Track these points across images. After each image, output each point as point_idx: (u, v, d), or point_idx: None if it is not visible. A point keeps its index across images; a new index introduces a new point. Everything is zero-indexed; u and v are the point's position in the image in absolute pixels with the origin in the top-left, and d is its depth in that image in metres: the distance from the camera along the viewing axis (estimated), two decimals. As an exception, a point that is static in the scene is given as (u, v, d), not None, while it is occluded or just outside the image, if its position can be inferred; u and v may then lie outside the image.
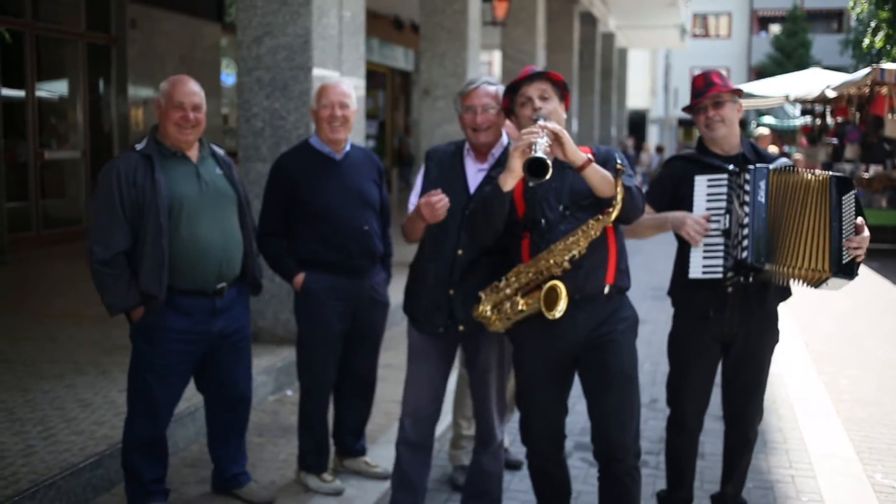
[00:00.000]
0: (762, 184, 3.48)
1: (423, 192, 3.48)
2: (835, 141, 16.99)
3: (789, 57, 37.36)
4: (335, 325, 4.03)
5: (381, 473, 4.30)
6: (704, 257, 3.58)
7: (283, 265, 4.07)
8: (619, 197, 3.12)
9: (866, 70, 12.74)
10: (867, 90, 14.08)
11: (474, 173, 3.50)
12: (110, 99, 11.92)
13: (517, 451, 4.72)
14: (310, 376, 4.13)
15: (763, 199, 3.48)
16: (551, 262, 3.17)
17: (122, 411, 4.55)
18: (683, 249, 3.67)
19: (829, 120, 18.57)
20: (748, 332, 3.65)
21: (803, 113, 22.26)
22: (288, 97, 5.86)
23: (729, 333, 3.65)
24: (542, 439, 3.44)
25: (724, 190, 3.57)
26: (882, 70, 12.09)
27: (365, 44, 6.71)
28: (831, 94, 14.78)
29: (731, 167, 3.59)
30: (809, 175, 3.49)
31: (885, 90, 13.15)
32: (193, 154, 3.71)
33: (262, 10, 5.85)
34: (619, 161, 3.22)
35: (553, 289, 3.14)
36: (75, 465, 3.89)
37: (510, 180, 3.11)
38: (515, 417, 4.86)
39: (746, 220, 3.48)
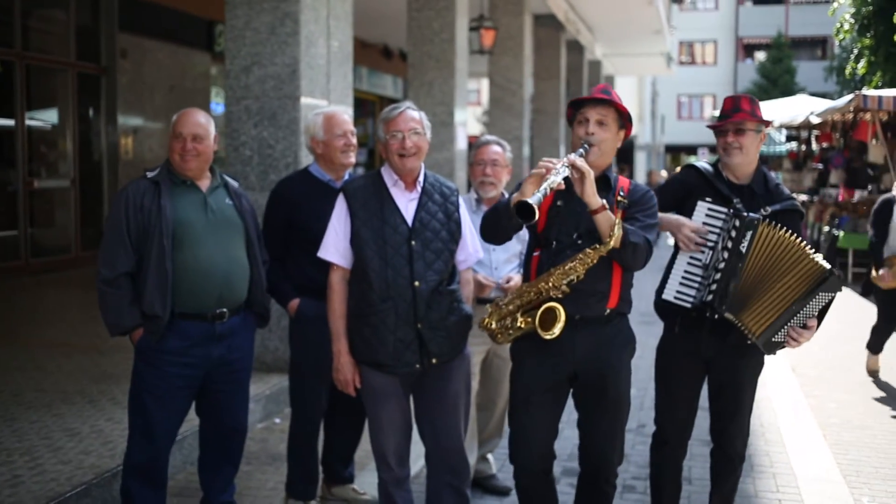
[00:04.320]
0: (748, 234, 3.49)
1: (354, 232, 3.40)
2: (820, 166, 17.15)
3: (775, 84, 37.74)
4: (329, 351, 4.03)
5: (369, 501, 4.30)
6: (681, 283, 3.62)
7: (280, 290, 4.08)
8: (616, 235, 3.19)
9: (849, 97, 12.89)
10: (850, 116, 14.24)
11: (406, 203, 3.48)
12: (100, 128, 11.97)
13: (505, 476, 4.73)
14: (301, 402, 4.13)
15: (744, 250, 3.49)
16: (550, 284, 3.27)
17: (110, 440, 4.58)
18: (672, 262, 3.70)
19: (814, 146, 18.74)
20: (724, 355, 3.67)
21: (788, 139, 22.48)
22: (276, 126, 5.91)
23: (706, 354, 3.69)
24: (532, 456, 3.45)
25: (720, 224, 3.59)
26: (865, 96, 12.23)
27: (354, 72, 6.78)
28: (815, 120, 14.94)
29: (735, 201, 3.60)
30: (808, 253, 3.46)
31: (868, 116, 13.31)
32: (204, 183, 3.78)
33: (251, 39, 5.91)
34: (622, 198, 3.35)
35: (551, 310, 3.24)
36: (62, 495, 3.88)
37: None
38: (503, 444, 4.89)
39: (721, 265, 3.52)
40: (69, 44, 11.38)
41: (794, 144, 21.04)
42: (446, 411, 3.57)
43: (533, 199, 3.00)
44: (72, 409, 5.15)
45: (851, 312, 10.00)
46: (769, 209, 3.61)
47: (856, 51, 19.22)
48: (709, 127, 3.84)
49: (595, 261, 3.25)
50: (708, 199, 3.65)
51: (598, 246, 3.23)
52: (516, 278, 4.22)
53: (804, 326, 3.53)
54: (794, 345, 3.53)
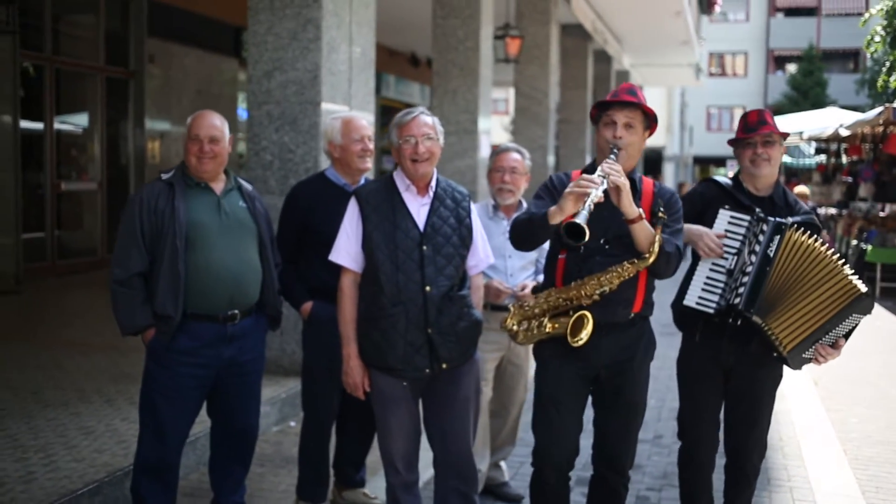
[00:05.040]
0: (776, 239, 3.50)
1: (365, 236, 3.41)
2: (849, 180, 16.97)
3: (805, 96, 37.39)
4: (340, 354, 4.03)
5: (379, 505, 4.29)
6: (703, 289, 3.63)
7: (293, 293, 4.10)
8: (655, 252, 3.24)
9: (879, 109, 12.76)
10: (881, 129, 14.09)
11: (417, 208, 3.48)
12: (128, 132, 12.08)
13: (517, 484, 4.71)
14: (314, 405, 4.14)
15: (772, 254, 3.50)
16: (582, 293, 3.30)
17: (124, 439, 4.60)
18: (692, 271, 3.69)
19: (843, 159, 18.54)
20: (744, 364, 3.67)
21: (817, 152, 22.24)
22: (297, 131, 5.93)
23: (726, 362, 3.68)
24: (563, 453, 3.47)
25: (743, 231, 3.60)
26: (895, 109, 12.09)
27: (381, 80, 6.81)
28: (845, 132, 14.79)
29: (757, 210, 3.61)
30: (842, 267, 3.45)
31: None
32: (218, 186, 3.81)
33: (273, 45, 5.95)
34: (664, 212, 3.33)
35: (580, 317, 3.29)
36: (74, 492, 3.91)
37: (557, 217, 3.15)
38: (516, 452, 4.87)
39: (749, 269, 3.52)
40: (98, 48, 11.51)
41: (822, 157, 20.83)
42: (455, 416, 3.56)
43: (581, 220, 2.99)
44: (89, 408, 5.19)
45: (877, 327, 9.88)
46: (790, 219, 3.61)
47: (888, 63, 18.97)
48: (730, 142, 3.82)
49: (631, 275, 3.30)
50: (727, 206, 3.65)
51: (636, 261, 3.28)
52: (531, 286, 4.21)
53: (833, 345, 3.54)
54: (820, 362, 3.55)
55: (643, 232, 3.25)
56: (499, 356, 4.43)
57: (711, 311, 3.58)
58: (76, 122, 11.73)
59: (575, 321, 3.29)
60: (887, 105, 12.55)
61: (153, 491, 3.73)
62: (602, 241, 3.33)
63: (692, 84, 29.24)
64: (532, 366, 4.60)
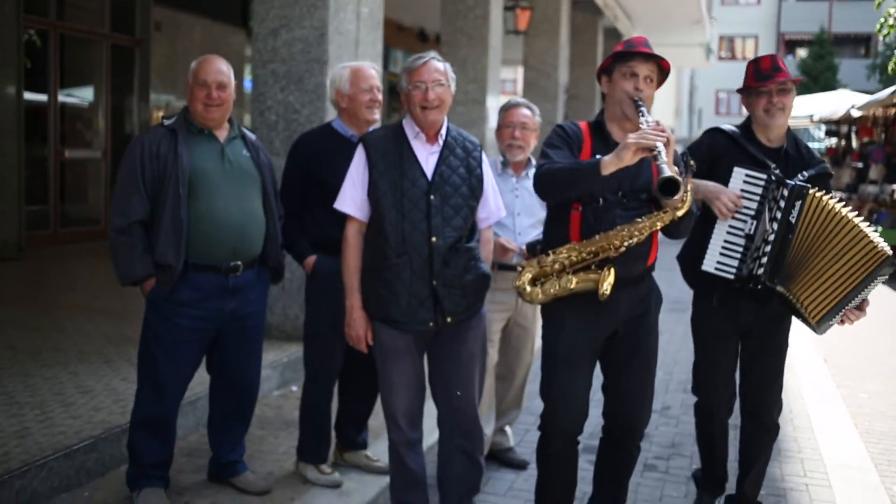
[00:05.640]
0: (797, 204, 3.39)
1: (371, 183, 3.30)
2: (859, 165, 16.78)
3: (816, 80, 37.06)
4: (344, 309, 3.92)
5: (381, 468, 4.19)
6: (721, 253, 3.53)
7: (296, 246, 3.98)
8: (689, 197, 3.14)
9: (892, 88, 12.58)
10: (893, 111, 13.91)
11: (426, 157, 3.37)
12: (133, 101, 11.94)
13: (522, 451, 4.62)
14: (316, 362, 4.03)
15: (794, 220, 3.40)
16: (611, 245, 3.16)
17: (122, 398, 4.52)
18: (706, 232, 3.57)
19: (854, 142, 18.35)
20: (763, 321, 3.62)
21: (828, 134, 22.05)
22: (303, 90, 5.81)
23: (745, 322, 3.63)
24: (568, 417, 3.34)
25: (759, 191, 3.48)
26: (909, 88, 11.93)
27: (389, 55, 6.68)
28: (856, 113, 14.63)
29: (773, 167, 3.50)
30: (865, 231, 3.35)
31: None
32: (222, 134, 3.71)
33: (279, 2, 5.81)
34: (690, 161, 3.27)
35: (607, 271, 3.15)
36: (69, 447, 3.82)
37: (612, 168, 3.01)
38: (521, 417, 4.77)
39: (771, 237, 3.42)
40: (103, 15, 11.35)
41: (833, 140, 20.64)
42: (460, 373, 3.46)
43: (669, 171, 2.87)
44: (87, 368, 5.11)
45: (884, 310, 9.75)
46: (805, 174, 3.50)
47: (900, 47, 18.77)
48: (741, 90, 3.68)
49: (665, 224, 3.18)
50: (742, 164, 3.53)
51: (668, 210, 3.14)
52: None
53: (858, 307, 3.47)
54: (847, 324, 3.49)
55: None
56: (506, 317, 4.33)
57: (731, 276, 3.49)
58: (81, 90, 11.59)
59: (603, 274, 3.16)
60: (901, 84, 12.37)
61: (150, 447, 3.64)
62: (620, 195, 3.21)
63: (702, 66, 28.99)
64: (539, 328, 4.53)
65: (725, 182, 3.54)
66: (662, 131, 2.98)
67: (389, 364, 3.42)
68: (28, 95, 9.86)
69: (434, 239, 3.28)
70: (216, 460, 3.94)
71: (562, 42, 12.72)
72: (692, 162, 3.25)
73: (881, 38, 22.35)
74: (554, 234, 3.36)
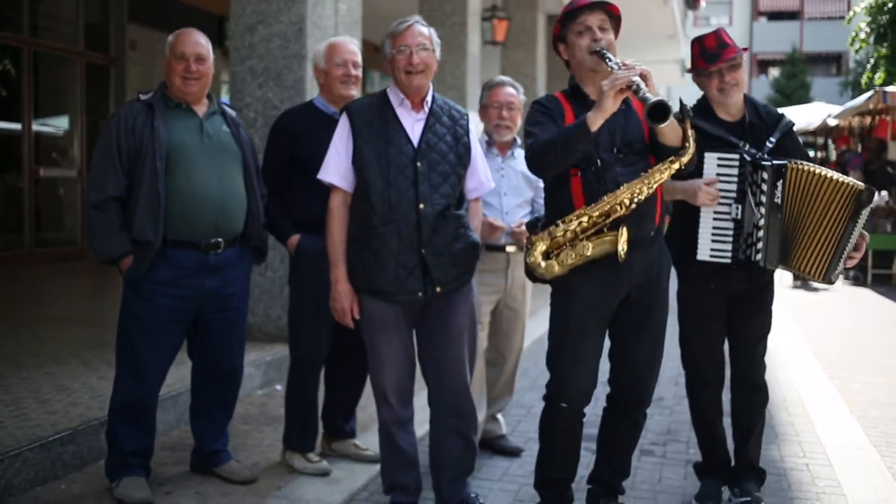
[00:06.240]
0: (779, 184, 3.37)
1: (356, 151, 3.21)
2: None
3: (789, 98, 37.41)
4: (329, 290, 3.80)
5: (371, 456, 4.06)
6: (713, 240, 3.51)
7: (279, 226, 3.86)
8: (692, 140, 3.08)
9: (869, 93, 12.65)
10: (869, 119, 14.00)
11: (412, 124, 3.28)
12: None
13: (516, 439, 4.50)
14: (301, 345, 3.89)
15: (779, 200, 3.38)
16: (620, 203, 3.06)
17: (100, 394, 4.37)
18: (691, 223, 3.51)
19: (832, 153, 18.46)
20: (754, 285, 3.60)
21: (805, 146, 22.19)
22: (281, 86, 5.72)
23: (736, 290, 3.59)
24: (578, 387, 3.23)
25: (735, 171, 3.45)
26: (885, 93, 11.99)
27: (367, 76, 6.61)
28: (833, 122, 14.71)
29: (742, 144, 3.47)
30: (837, 179, 3.35)
31: (888, 116, 13.07)
32: (200, 109, 3.61)
33: (256, -3, 5.74)
34: (686, 106, 3.15)
35: (621, 231, 3.07)
36: (45, 438, 3.67)
37: (599, 120, 2.95)
38: (513, 402, 4.66)
39: (762, 221, 3.39)
40: (77, 32, 11.25)
41: (810, 152, 20.78)
42: (450, 347, 3.35)
43: (652, 96, 2.82)
44: (64, 370, 4.94)
45: (871, 310, 9.73)
46: (773, 139, 3.50)
47: (872, 61, 18.94)
48: (690, 72, 3.64)
49: (669, 175, 3.11)
50: (714, 149, 3.48)
51: (674, 158, 3.08)
52: (526, 223, 3.99)
53: (856, 247, 3.46)
54: (851, 263, 3.46)
55: (671, 128, 3.05)
56: (495, 300, 4.22)
57: (728, 261, 3.47)
58: (55, 105, 11.42)
59: (616, 234, 3.07)
60: (877, 89, 12.44)
61: (130, 434, 3.50)
62: (615, 151, 3.13)
63: (677, 83, 29.15)
64: (529, 311, 4.43)
65: (699, 168, 3.47)
66: (633, 67, 2.92)
67: (377, 338, 3.30)
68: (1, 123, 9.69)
69: (422, 206, 3.18)
70: (199, 450, 3.80)
71: (539, 54, 12.73)
72: (688, 107, 3.17)
73: (853, 52, 22.63)
74: (557, 205, 3.24)
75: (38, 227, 10.78)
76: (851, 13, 18.92)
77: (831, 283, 3.49)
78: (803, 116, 17.46)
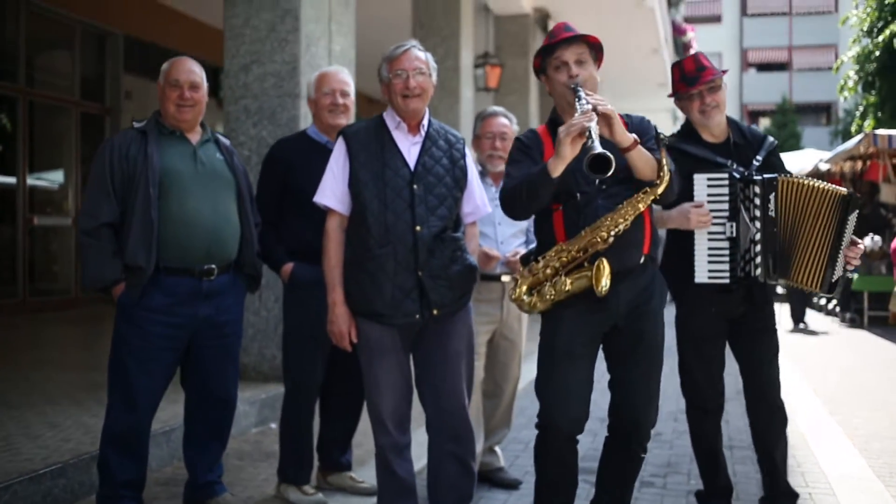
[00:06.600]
0: (771, 197, 3.41)
1: (352, 174, 3.20)
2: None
3: (781, 148, 37.66)
4: (324, 318, 3.77)
5: (367, 489, 4.00)
6: (710, 261, 3.51)
7: (273, 255, 3.85)
8: (666, 170, 3.06)
9: (859, 136, 12.77)
10: (860, 164, 14.11)
11: (408, 147, 3.29)
12: (103, 169, 11.83)
13: (514, 473, 4.43)
14: (295, 375, 3.85)
15: (773, 214, 3.42)
16: (598, 238, 3.03)
17: (92, 431, 4.31)
18: (684, 247, 3.52)
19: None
20: (755, 305, 3.59)
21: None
22: (276, 124, 5.75)
23: (736, 312, 3.58)
24: (569, 413, 3.13)
25: (726, 190, 3.48)
26: (875, 136, 12.10)
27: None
28: (824, 166, 14.80)
29: (730, 163, 3.50)
30: (823, 186, 3.40)
31: (879, 160, 13.17)
32: (194, 137, 3.63)
33: (250, 37, 5.80)
34: (660, 134, 3.16)
35: (599, 265, 3.01)
36: (34, 472, 3.60)
37: (559, 166, 2.94)
38: (511, 436, 4.60)
39: (758, 237, 3.41)
40: (73, 83, 11.34)
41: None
42: (448, 371, 3.31)
43: (601, 150, 2.76)
44: (56, 408, 4.89)
45: (869, 350, 9.70)
46: (759, 158, 3.55)
47: (861, 109, 19.17)
48: (672, 94, 3.68)
49: (646, 206, 3.08)
50: (702, 171, 3.50)
51: (647, 189, 3.06)
52: (522, 252, 3.99)
53: (851, 248, 3.49)
54: (851, 266, 3.48)
55: (642, 158, 3.04)
56: (491, 329, 4.19)
57: (727, 281, 3.47)
58: (50, 158, 11.47)
59: (596, 270, 3.01)
60: (867, 132, 12.56)
61: (123, 464, 3.44)
62: (598, 183, 3.09)
63: (669, 132, 29.45)
64: (525, 342, 4.40)
65: (689, 191, 3.48)
66: (595, 108, 2.90)
67: (375, 362, 3.26)
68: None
69: (419, 228, 3.18)
70: (192, 482, 3.73)
71: (532, 99, 12.85)
72: (662, 135, 3.19)
73: (842, 100, 22.93)
74: (542, 239, 3.26)
75: (32, 275, 10.75)
76: (839, 62, 19.21)
77: (831, 292, 3.49)
78: (795, 162, 17.58)
